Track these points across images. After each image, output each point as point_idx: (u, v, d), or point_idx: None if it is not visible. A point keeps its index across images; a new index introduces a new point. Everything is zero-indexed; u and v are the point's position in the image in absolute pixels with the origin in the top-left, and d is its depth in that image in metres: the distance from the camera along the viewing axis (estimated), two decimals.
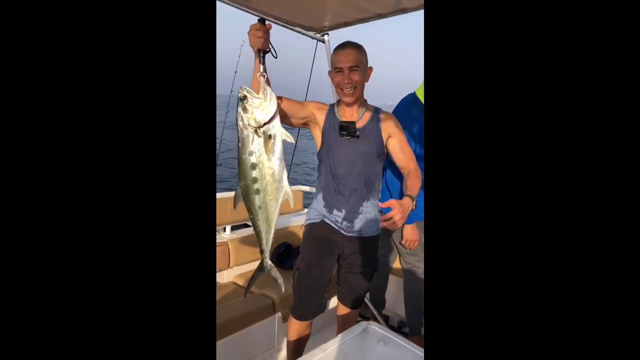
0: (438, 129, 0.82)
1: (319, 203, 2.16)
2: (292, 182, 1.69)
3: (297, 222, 3.65)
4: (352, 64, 1.96)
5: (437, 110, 0.82)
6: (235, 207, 1.60)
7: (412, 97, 2.59)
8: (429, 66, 0.83)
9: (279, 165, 1.59)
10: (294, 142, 1.67)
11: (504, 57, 0.76)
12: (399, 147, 2.01)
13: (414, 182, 1.91)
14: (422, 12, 2.28)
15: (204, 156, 0.93)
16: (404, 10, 2.35)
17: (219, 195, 3.20)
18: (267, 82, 1.61)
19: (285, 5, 2.52)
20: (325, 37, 3.15)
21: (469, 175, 0.79)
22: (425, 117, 0.92)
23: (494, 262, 0.76)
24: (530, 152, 0.74)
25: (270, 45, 1.66)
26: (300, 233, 3.12)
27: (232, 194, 3.17)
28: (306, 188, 4.31)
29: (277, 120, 1.56)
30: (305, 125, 2.10)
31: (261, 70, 1.63)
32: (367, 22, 2.59)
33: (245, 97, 1.51)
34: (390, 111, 2.47)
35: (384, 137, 2.07)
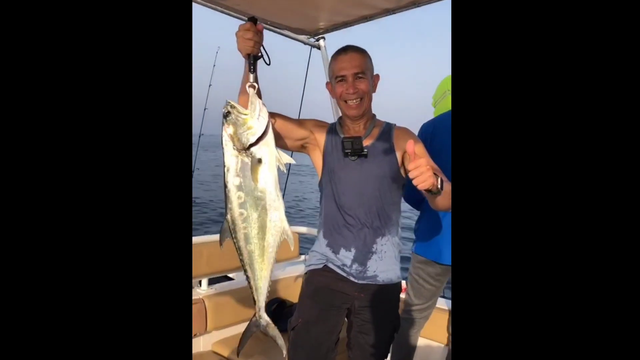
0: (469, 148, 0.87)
1: (321, 243, 1.94)
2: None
3: (292, 273, 3.32)
4: (356, 70, 1.81)
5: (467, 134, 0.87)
6: (221, 244, 1.45)
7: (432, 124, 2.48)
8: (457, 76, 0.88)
9: (272, 196, 1.43)
10: (288, 164, 1.51)
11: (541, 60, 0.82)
12: None
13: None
14: (436, 4, 2.10)
15: (177, 197, 0.92)
16: (417, 3, 2.16)
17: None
18: (258, 94, 1.47)
19: (270, 3, 2.35)
20: (321, 42, 3.01)
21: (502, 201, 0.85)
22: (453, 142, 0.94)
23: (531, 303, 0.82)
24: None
25: (262, 49, 1.53)
26: (296, 287, 2.83)
27: (207, 238, 2.93)
28: (303, 229, 3.82)
29: (268, 140, 1.42)
30: (303, 148, 1.93)
31: (251, 79, 1.50)
32: (372, 19, 2.39)
33: (229, 112, 1.38)
34: None
35: (399, 154, 1.87)
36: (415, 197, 2.37)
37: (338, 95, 1.85)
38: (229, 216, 1.43)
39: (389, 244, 1.89)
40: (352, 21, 2.57)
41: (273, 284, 2.93)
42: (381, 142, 1.88)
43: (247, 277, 1.50)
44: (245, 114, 1.39)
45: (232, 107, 1.39)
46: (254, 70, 1.51)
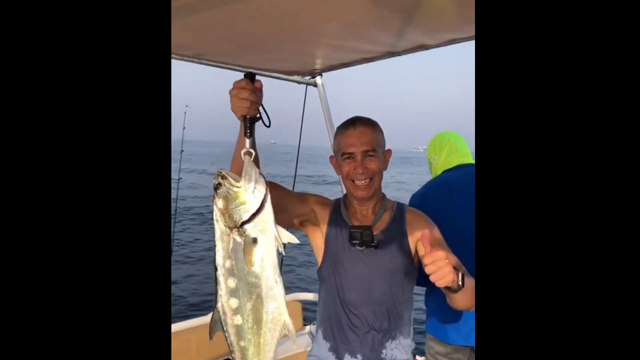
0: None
1: (321, 346, 1.75)
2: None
3: (295, 349, 2.91)
4: (366, 148, 1.68)
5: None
6: (211, 337, 1.28)
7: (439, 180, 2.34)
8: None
9: (270, 282, 1.26)
10: (289, 244, 1.32)
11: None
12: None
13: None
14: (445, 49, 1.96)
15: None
16: (423, 47, 2.01)
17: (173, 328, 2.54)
18: (256, 161, 1.32)
19: (257, 56, 2.21)
20: (318, 79, 2.87)
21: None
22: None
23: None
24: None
25: (262, 109, 1.39)
26: None
27: (197, 322, 2.64)
28: (309, 295, 3.40)
29: (265, 217, 1.26)
30: (301, 226, 1.77)
31: (247, 145, 1.34)
32: (373, 61, 2.24)
33: (220, 184, 1.25)
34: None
35: (412, 243, 1.71)
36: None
37: (344, 174, 1.71)
38: (219, 305, 1.26)
39: (400, 348, 1.71)
40: (350, 62, 2.42)
41: None
42: (393, 229, 1.73)
43: None
44: (238, 187, 1.24)
45: (224, 177, 1.24)
46: (251, 135, 1.36)
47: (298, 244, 1.32)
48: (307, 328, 3.22)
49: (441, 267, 1.31)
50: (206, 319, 1.29)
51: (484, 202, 0.90)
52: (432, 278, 1.32)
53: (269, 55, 2.26)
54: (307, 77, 2.88)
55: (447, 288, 1.39)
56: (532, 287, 0.85)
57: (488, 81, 0.89)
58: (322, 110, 3.10)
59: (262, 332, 1.27)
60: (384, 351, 1.68)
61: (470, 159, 2.40)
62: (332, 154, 1.83)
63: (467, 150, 2.45)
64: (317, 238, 1.77)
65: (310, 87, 2.98)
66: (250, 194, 1.24)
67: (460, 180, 2.31)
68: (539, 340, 0.84)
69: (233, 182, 1.24)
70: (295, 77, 2.83)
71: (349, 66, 2.45)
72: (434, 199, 2.31)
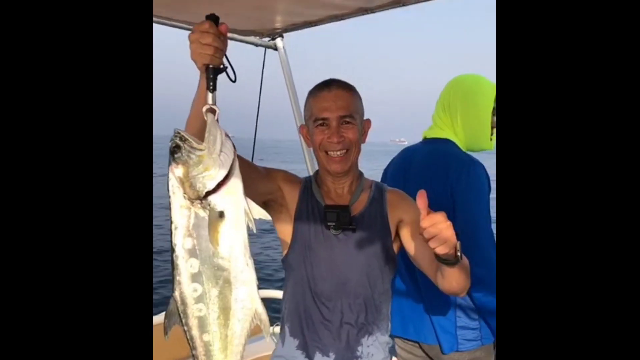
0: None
1: (287, 345, 1.58)
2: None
3: (260, 352, 2.71)
4: (343, 113, 1.49)
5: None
6: (166, 333, 1.12)
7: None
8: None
9: (239, 264, 1.11)
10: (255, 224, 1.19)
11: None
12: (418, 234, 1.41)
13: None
14: (424, 4, 1.80)
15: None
16: (401, 3, 1.84)
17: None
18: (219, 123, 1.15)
19: (203, 9, 1.99)
20: (278, 41, 2.65)
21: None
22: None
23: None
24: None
25: (226, 60, 1.22)
26: None
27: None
28: (273, 293, 3.16)
29: (233, 186, 1.11)
30: (265, 206, 1.58)
31: (210, 101, 1.17)
32: (344, 19, 2.06)
33: (178, 147, 1.09)
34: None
35: (393, 227, 1.57)
36: None
37: (317, 143, 1.52)
38: (177, 293, 1.10)
39: (377, 345, 1.56)
40: (315, 21, 2.23)
41: None
42: (372, 211, 1.57)
43: None
44: (200, 150, 1.08)
45: (183, 139, 1.08)
46: (214, 88, 1.18)
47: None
48: (270, 329, 2.98)
49: (442, 230, 1.18)
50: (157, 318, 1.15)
51: (506, 202, 0.89)
52: (431, 243, 1.19)
53: (218, 9, 2.04)
54: (266, 39, 2.67)
55: (444, 261, 1.26)
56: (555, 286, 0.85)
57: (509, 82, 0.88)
58: (285, 80, 2.85)
59: (230, 324, 1.12)
60: (359, 348, 1.54)
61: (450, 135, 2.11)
62: (303, 123, 1.64)
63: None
64: (284, 221, 1.59)
65: (270, 52, 2.75)
66: (215, 158, 1.08)
67: (421, 153, 2.12)
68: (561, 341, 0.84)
69: (194, 144, 1.08)
70: (252, 38, 2.62)
71: (315, 25, 2.27)
72: (392, 175, 2.17)
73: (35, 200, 0.87)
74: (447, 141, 2.02)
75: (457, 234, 1.24)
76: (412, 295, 2.04)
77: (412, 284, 2.03)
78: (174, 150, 1.08)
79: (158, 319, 2.15)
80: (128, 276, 0.93)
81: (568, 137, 0.85)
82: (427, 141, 2.12)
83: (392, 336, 2.12)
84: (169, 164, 1.09)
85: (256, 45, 2.66)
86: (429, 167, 1.98)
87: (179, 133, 1.08)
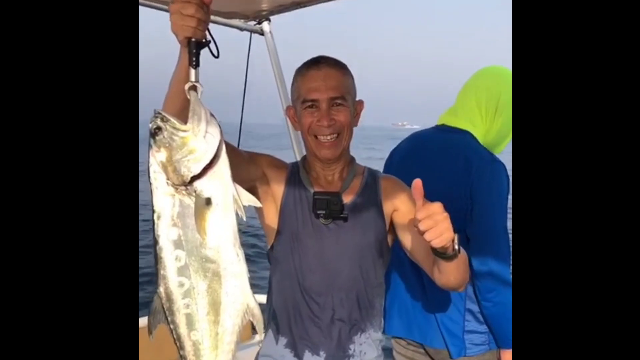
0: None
1: (274, 343, 1.51)
2: None
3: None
4: (334, 94, 1.43)
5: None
6: (150, 332, 1.07)
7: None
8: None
9: (229, 255, 1.06)
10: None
11: None
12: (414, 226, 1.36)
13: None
14: None
15: None
16: None
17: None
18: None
19: None
20: (265, 25, 2.57)
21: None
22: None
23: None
24: None
25: (208, 34, 1.16)
26: None
27: None
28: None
29: (220, 169, 1.06)
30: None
31: (192, 78, 1.11)
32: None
33: (159, 128, 1.03)
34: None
35: (387, 216, 1.50)
36: None
37: (305, 127, 1.45)
38: (161, 289, 1.05)
39: (370, 342, 1.49)
40: (306, 1, 2.16)
41: None
42: (364, 199, 1.50)
43: None
44: (185, 130, 1.02)
45: (164, 120, 1.02)
46: (197, 64, 1.12)
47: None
48: (257, 337, 2.74)
49: (439, 222, 1.14)
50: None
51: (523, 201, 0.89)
52: (427, 236, 1.15)
53: None
54: (252, 22, 2.58)
55: (441, 254, 1.22)
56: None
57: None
58: (272, 68, 2.76)
59: (220, 320, 1.07)
60: (351, 346, 1.48)
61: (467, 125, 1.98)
62: (291, 104, 1.57)
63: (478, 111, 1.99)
64: (269, 210, 1.51)
65: (255, 36, 2.65)
66: (201, 139, 1.02)
67: (436, 141, 2.01)
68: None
69: (178, 124, 1.02)
70: (236, 22, 2.52)
71: (305, 6, 2.20)
72: (400, 163, 2.06)
73: (12, 190, 0.84)
74: (466, 133, 1.92)
75: (454, 228, 1.19)
76: (417, 293, 1.95)
77: (417, 281, 1.94)
78: (155, 132, 1.02)
79: (142, 321, 2.06)
80: (113, 274, 0.90)
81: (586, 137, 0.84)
82: (443, 128, 2.00)
83: (392, 337, 2.06)
84: (149, 147, 1.03)
85: (241, 29, 2.57)
86: (447, 158, 1.88)
87: (159, 113, 1.03)
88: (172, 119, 1.03)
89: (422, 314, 1.94)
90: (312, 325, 1.46)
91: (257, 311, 1.06)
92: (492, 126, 1.90)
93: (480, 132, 1.91)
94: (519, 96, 0.90)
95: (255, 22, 2.55)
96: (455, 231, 1.18)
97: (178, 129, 1.02)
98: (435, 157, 1.91)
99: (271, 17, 2.53)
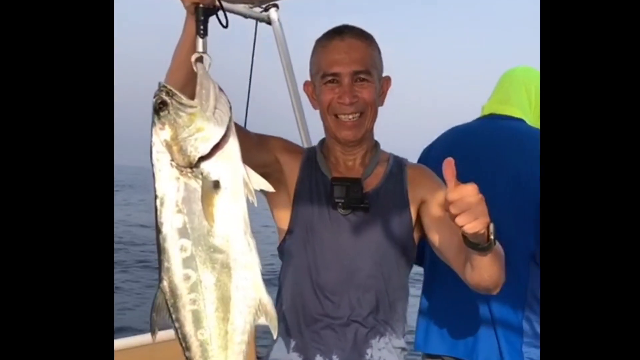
0: None
1: (282, 346, 1.43)
2: None
3: None
4: (357, 67, 1.35)
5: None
6: (153, 332, 1.02)
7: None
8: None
9: (240, 245, 1.01)
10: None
11: None
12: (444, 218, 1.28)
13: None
14: None
15: None
16: None
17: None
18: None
19: None
20: (272, 12, 2.48)
21: None
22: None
23: None
24: None
25: (218, 1, 1.11)
26: None
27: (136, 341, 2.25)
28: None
29: (230, 150, 1.01)
30: None
31: (200, 48, 1.06)
32: None
33: (164, 103, 0.98)
34: None
35: (414, 209, 1.41)
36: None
37: (325, 104, 1.37)
38: (165, 283, 0.99)
39: (390, 349, 1.40)
40: None
41: None
42: (389, 188, 1.42)
43: None
44: (192, 107, 0.98)
45: (170, 94, 0.97)
46: (205, 33, 1.06)
47: None
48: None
49: (472, 205, 1.04)
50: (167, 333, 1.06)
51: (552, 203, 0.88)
52: (459, 220, 1.04)
53: None
54: (258, 9, 2.50)
55: (474, 245, 1.12)
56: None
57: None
58: (280, 58, 2.67)
59: (230, 317, 1.01)
60: (368, 351, 1.39)
61: (516, 112, 1.94)
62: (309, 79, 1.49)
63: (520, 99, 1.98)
64: (281, 198, 1.43)
65: (262, 25, 2.57)
66: (210, 116, 0.97)
67: (489, 133, 1.92)
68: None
69: (184, 100, 0.97)
70: (240, 7, 2.43)
71: None
72: (438, 158, 1.95)
73: None
74: (523, 121, 1.86)
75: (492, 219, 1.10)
76: (464, 304, 1.80)
77: (464, 290, 1.85)
78: (160, 107, 0.98)
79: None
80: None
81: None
82: (496, 117, 1.93)
83: (430, 355, 1.93)
84: (153, 124, 0.98)
85: (245, 16, 2.49)
86: (508, 145, 1.81)
87: (164, 86, 0.97)
88: (178, 93, 0.98)
89: (470, 326, 1.79)
90: (325, 327, 1.38)
91: (270, 307, 1.00)
92: (537, 117, 1.85)
93: (530, 121, 1.87)
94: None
95: (261, 9, 2.48)
96: (491, 220, 1.08)
97: (185, 105, 0.98)
98: (493, 147, 1.84)
99: (279, 3, 2.45)
